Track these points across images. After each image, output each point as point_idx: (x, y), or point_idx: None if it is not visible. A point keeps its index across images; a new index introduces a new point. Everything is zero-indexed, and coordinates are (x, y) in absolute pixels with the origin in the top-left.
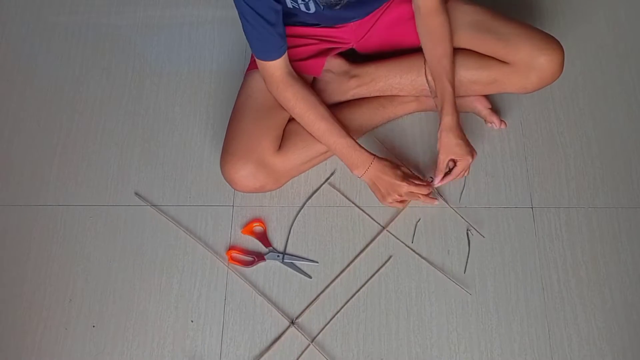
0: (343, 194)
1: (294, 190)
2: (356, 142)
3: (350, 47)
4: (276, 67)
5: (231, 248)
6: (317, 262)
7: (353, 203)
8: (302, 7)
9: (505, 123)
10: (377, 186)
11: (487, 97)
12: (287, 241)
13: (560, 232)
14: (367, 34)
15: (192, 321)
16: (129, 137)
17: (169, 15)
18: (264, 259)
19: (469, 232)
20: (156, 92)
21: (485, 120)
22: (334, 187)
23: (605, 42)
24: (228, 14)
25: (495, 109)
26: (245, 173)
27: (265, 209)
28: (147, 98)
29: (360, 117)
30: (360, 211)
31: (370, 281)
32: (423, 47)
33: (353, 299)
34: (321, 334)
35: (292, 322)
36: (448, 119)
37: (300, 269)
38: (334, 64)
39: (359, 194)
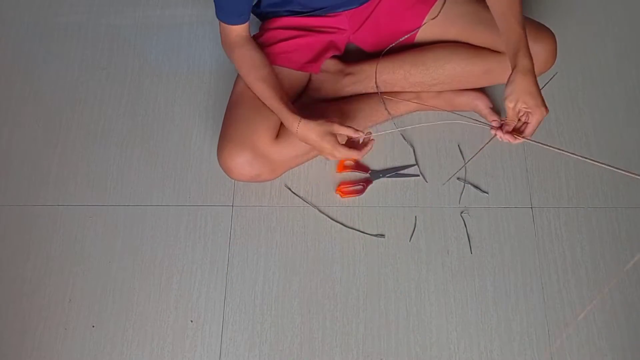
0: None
1: (294, 189)
2: (286, 108)
3: (347, 37)
4: (233, 30)
5: (338, 187)
6: (418, 175)
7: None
8: None
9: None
10: (316, 140)
11: (488, 95)
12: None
13: (560, 232)
14: (364, 24)
15: (191, 321)
16: (129, 137)
17: (168, 15)
18: (371, 182)
19: (463, 214)
20: (156, 92)
21: (486, 119)
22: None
23: (604, 42)
24: None
25: (496, 107)
26: (241, 160)
27: (264, 209)
28: (146, 98)
29: (360, 113)
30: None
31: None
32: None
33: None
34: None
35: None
36: (526, 62)
37: (407, 174)
38: (329, 63)
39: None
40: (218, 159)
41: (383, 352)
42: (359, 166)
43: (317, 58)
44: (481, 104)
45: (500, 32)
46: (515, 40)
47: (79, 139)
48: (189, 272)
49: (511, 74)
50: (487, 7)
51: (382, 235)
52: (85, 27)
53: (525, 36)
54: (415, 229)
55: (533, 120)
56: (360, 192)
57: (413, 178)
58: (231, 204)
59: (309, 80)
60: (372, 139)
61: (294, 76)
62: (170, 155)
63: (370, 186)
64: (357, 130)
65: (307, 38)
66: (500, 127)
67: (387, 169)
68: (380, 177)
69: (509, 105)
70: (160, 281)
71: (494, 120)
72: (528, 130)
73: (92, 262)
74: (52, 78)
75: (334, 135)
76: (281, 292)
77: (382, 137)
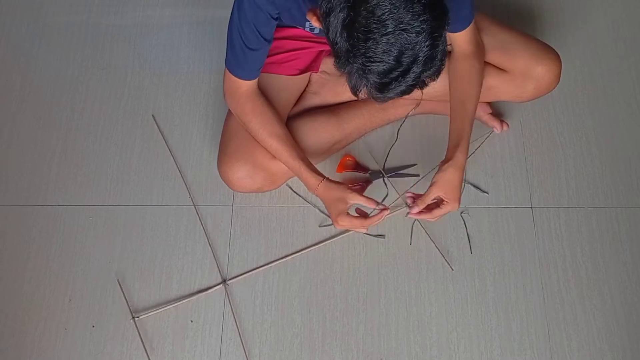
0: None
1: (294, 189)
2: (306, 166)
3: None
4: (245, 84)
5: None
6: (418, 175)
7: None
8: (307, 30)
9: (507, 124)
10: (328, 203)
11: (488, 102)
12: (385, 162)
13: (560, 232)
14: None
15: (191, 321)
16: (129, 137)
17: (168, 15)
18: (370, 182)
19: (463, 214)
20: (156, 92)
21: (486, 125)
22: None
23: (605, 42)
24: (227, 14)
25: (495, 110)
26: (242, 175)
27: (264, 208)
28: (146, 98)
29: (359, 118)
30: None
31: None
32: (450, 86)
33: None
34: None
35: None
36: (461, 158)
37: (406, 174)
38: (330, 64)
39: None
40: (219, 172)
41: (383, 352)
42: (358, 166)
43: (316, 59)
44: (481, 111)
45: (451, 115)
46: (461, 133)
47: (79, 139)
48: (189, 272)
49: (445, 163)
50: (494, 23)
51: (382, 236)
52: (85, 27)
53: (470, 133)
54: (413, 229)
55: (444, 209)
56: (361, 190)
57: (413, 178)
58: (231, 204)
59: (308, 83)
60: (385, 209)
61: (293, 82)
62: (170, 155)
63: (370, 186)
64: (373, 201)
65: (310, 49)
66: (414, 199)
67: (387, 169)
68: (379, 178)
69: (435, 191)
70: (160, 281)
71: (409, 196)
72: (437, 212)
73: (92, 262)
74: (52, 78)
75: (345, 203)
76: (281, 292)
77: (382, 138)
